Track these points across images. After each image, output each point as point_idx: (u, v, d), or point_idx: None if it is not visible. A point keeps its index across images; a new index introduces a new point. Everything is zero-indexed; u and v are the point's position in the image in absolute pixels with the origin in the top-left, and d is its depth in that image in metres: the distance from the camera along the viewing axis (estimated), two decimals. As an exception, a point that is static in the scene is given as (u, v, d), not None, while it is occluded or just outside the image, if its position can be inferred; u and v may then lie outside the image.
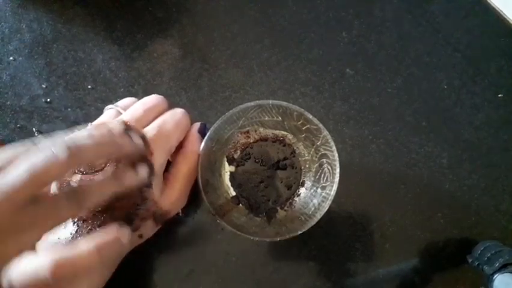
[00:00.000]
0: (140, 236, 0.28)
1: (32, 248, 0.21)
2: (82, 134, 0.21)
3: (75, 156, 0.19)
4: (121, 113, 0.28)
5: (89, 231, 0.25)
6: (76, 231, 0.25)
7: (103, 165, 0.24)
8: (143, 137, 0.25)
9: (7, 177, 0.17)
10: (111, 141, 0.22)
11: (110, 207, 0.24)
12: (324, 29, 0.41)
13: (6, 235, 0.17)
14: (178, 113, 0.29)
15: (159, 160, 0.26)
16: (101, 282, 0.27)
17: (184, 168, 0.29)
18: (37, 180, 0.18)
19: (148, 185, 0.26)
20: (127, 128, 0.24)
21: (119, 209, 0.25)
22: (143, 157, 0.24)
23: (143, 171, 0.24)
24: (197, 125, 0.31)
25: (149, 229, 0.28)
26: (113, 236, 0.22)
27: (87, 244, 0.21)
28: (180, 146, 0.29)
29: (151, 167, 0.25)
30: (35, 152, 0.18)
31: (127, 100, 0.30)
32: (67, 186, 0.20)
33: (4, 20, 0.38)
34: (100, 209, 0.24)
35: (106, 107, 0.30)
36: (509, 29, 0.42)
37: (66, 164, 0.18)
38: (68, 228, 0.25)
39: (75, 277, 0.21)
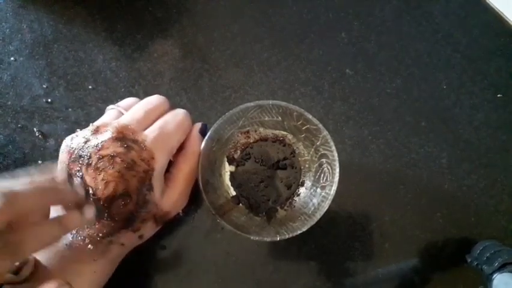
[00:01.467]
0: (141, 237, 0.28)
1: None
2: (22, 181, 0.20)
3: (11, 204, 0.18)
4: (122, 113, 0.29)
5: (88, 232, 0.25)
6: (76, 232, 0.25)
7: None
8: (88, 185, 0.24)
9: None
10: (52, 190, 0.21)
11: (111, 209, 0.25)
12: (324, 29, 0.41)
13: None
14: (179, 113, 0.29)
15: (160, 161, 0.26)
16: (102, 281, 0.27)
17: (185, 169, 0.29)
18: None
19: (150, 188, 0.26)
20: (71, 174, 0.23)
21: (120, 210, 0.25)
22: (88, 200, 0.24)
23: (90, 213, 0.23)
24: (198, 125, 0.31)
25: (149, 229, 0.28)
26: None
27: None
28: (181, 147, 0.29)
29: (98, 208, 0.24)
30: None
31: (129, 100, 0.30)
32: (3, 238, 0.18)
33: (5, 20, 0.38)
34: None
35: (108, 107, 0.30)
36: (509, 29, 0.42)
37: (1, 216, 0.17)
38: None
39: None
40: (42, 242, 0.20)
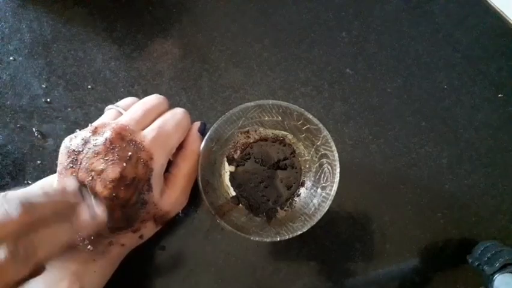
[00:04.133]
0: (141, 237, 0.28)
1: None
2: (36, 191, 0.20)
3: (28, 213, 0.19)
4: (121, 113, 0.28)
5: (88, 232, 0.25)
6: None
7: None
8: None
9: None
10: (64, 200, 0.22)
11: (110, 211, 0.24)
12: (324, 29, 0.41)
13: None
14: (178, 113, 0.29)
15: (160, 161, 0.26)
16: (102, 281, 0.27)
17: (184, 168, 0.29)
18: None
19: (149, 188, 0.26)
20: (83, 184, 0.24)
21: (119, 211, 0.25)
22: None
23: (101, 213, 0.23)
24: (197, 124, 0.31)
25: (149, 230, 0.28)
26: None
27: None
28: (180, 146, 0.29)
29: (110, 209, 0.24)
30: None
31: (128, 100, 0.30)
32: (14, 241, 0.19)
33: (4, 19, 0.38)
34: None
35: (107, 107, 0.30)
36: (509, 29, 0.42)
37: (19, 222, 0.18)
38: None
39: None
40: (55, 245, 0.21)
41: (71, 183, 0.23)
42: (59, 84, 0.36)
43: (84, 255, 0.25)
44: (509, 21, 0.42)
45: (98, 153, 0.24)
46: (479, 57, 0.41)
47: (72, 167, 0.24)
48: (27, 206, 0.19)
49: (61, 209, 0.22)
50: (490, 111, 0.39)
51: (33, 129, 0.35)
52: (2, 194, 0.20)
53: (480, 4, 0.43)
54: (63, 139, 0.26)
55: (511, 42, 0.42)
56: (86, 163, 0.24)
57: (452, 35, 0.41)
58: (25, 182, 0.33)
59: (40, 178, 0.25)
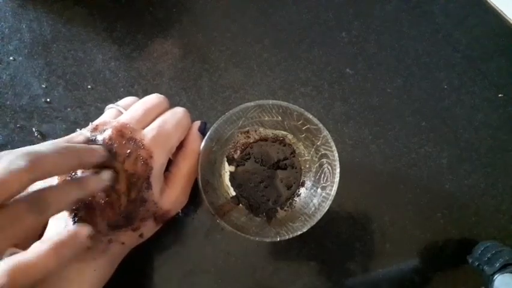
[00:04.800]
0: (141, 236, 0.28)
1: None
2: (43, 144, 0.20)
3: (35, 165, 0.18)
4: (121, 113, 0.28)
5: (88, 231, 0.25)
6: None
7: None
8: (108, 146, 0.24)
9: None
10: (72, 151, 0.21)
11: (109, 206, 0.24)
12: (324, 29, 0.41)
13: None
14: (178, 112, 0.29)
15: (160, 160, 0.26)
16: (102, 280, 0.27)
17: (184, 168, 0.29)
18: None
19: (148, 186, 0.26)
20: (91, 139, 0.24)
21: (118, 208, 0.25)
22: (107, 165, 0.24)
23: (106, 175, 0.24)
24: (197, 123, 0.31)
25: (149, 229, 0.28)
26: (70, 234, 0.21)
27: (41, 246, 0.20)
28: (181, 145, 0.29)
29: (116, 172, 0.24)
30: None
31: (128, 99, 0.30)
32: (28, 194, 0.19)
33: (4, 19, 0.38)
34: (99, 211, 0.24)
35: (107, 106, 0.30)
36: (509, 29, 0.42)
37: (26, 174, 0.18)
38: (68, 227, 0.25)
39: (36, 282, 0.19)
40: (64, 202, 0.21)
41: (79, 136, 0.24)
42: (59, 84, 0.36)
43: (84, 254, 0.25)
44: (509, 21, 0.42)
45: None
46: (479, 57, 0.41)
47: None
48: (33, 156, 0.18)
49: (70, 162, 0.21)
50: (490, 111, 0.39)
51: (33, 129, 0.35)
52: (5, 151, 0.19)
53: (480, 4, 0.43)
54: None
55: (511, 42, 0.42)
56: None
57: (452, 35, 0.41)
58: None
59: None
